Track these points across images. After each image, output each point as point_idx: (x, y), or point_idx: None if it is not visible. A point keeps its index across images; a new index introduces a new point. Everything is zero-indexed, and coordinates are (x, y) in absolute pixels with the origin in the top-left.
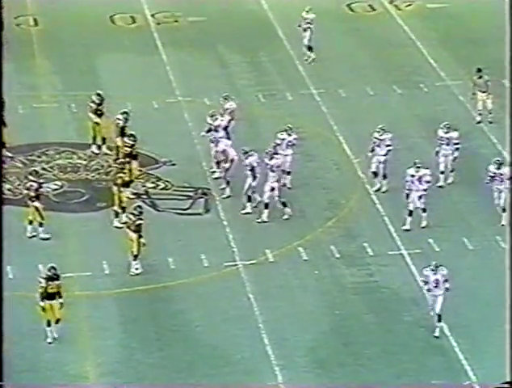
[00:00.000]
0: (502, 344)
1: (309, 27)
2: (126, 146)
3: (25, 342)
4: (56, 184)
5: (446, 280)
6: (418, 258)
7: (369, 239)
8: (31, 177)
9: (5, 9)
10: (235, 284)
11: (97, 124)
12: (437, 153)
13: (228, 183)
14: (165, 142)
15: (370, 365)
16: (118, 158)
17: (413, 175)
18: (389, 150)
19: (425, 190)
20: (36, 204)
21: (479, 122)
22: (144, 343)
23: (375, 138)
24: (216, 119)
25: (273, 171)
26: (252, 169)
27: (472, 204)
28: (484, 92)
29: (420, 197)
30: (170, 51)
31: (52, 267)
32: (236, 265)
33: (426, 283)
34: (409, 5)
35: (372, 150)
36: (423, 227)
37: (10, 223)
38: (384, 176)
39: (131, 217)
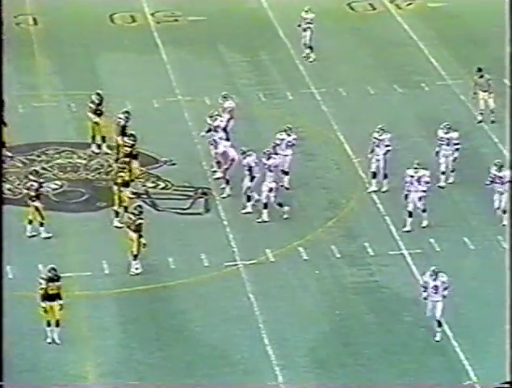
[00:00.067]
0: (503, 344)
1: (309, 27)
2: (126, 146)
3: (25, 342)
4: (55, 184)
5: (445, 288)
6: (419, 258)
7: (370, 239)
8: (31, 177)
9: (4, 8)
10: (235, 284)
11: (96, 123)
12: (437, 153)
13: (228, 182)
14: (165, 142)
15: (370, 365)
16: (118, 158)
17: (412, 176)
18: (388, 150)
19: (424, 191)
20: (37, 203)
21: (480, 121)
22: (144, 343)
23: (375, 138)
24: (216, 119)
25: (271, 171)
26: (250, 169)
27: (473, 204)
28: (485, 91)
29: (420, 199)
30: (170, 50)
31: (53, 269)
32: (236, 265)
33: (426, 289)
34: (410, 4)
35: (372, 151)
36: (424, 227)
37: (9, 223)
38: (385, 176)
39: (131, 216)
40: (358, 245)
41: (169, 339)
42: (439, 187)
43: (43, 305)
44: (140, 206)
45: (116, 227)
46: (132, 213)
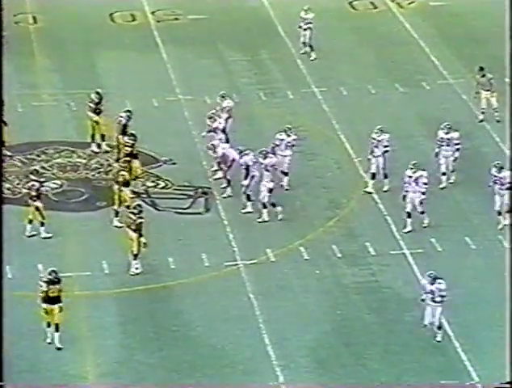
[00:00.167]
0: (504, 344)
1: (309, 27)
2: (126, 146)
3: (25, 342)
4: (55, 183)
5: (442, 296)
6: (420, 257)
7: (371, 239)
8: (32, 176)
9: (4, 7)
10: (235, 284)
11: (96, 122)
12: (437, 154)
13: (228, 182)
14: (165, 141)
15: (371, 365)
16: (119, 157)
17: (410, 176)
18: (387, 151)
19: (423, 193)
20: (37, 203)
21: (481, 120)
22: (144, 343)
23: (373, 139)
24: (214, 120)
25: (267, 171)
26: (247, 168)
27: (474, 204)
28: (487, 90)
29: (421, 202)
30: (171, 49)
31: (53, 271)
32: (236, 265)
33: (425, 293)
34: (412, 2)
35: (371, 152)
36: (425, 226)
37: (9, 222)
38: (385, 176)
39: (131, 216)
40: (359, 244)
41: (169, 339)
42: (441, 188)
43: (44, 306)
44: (139, 205)
45: (116, 227)
46: (132, 213)
